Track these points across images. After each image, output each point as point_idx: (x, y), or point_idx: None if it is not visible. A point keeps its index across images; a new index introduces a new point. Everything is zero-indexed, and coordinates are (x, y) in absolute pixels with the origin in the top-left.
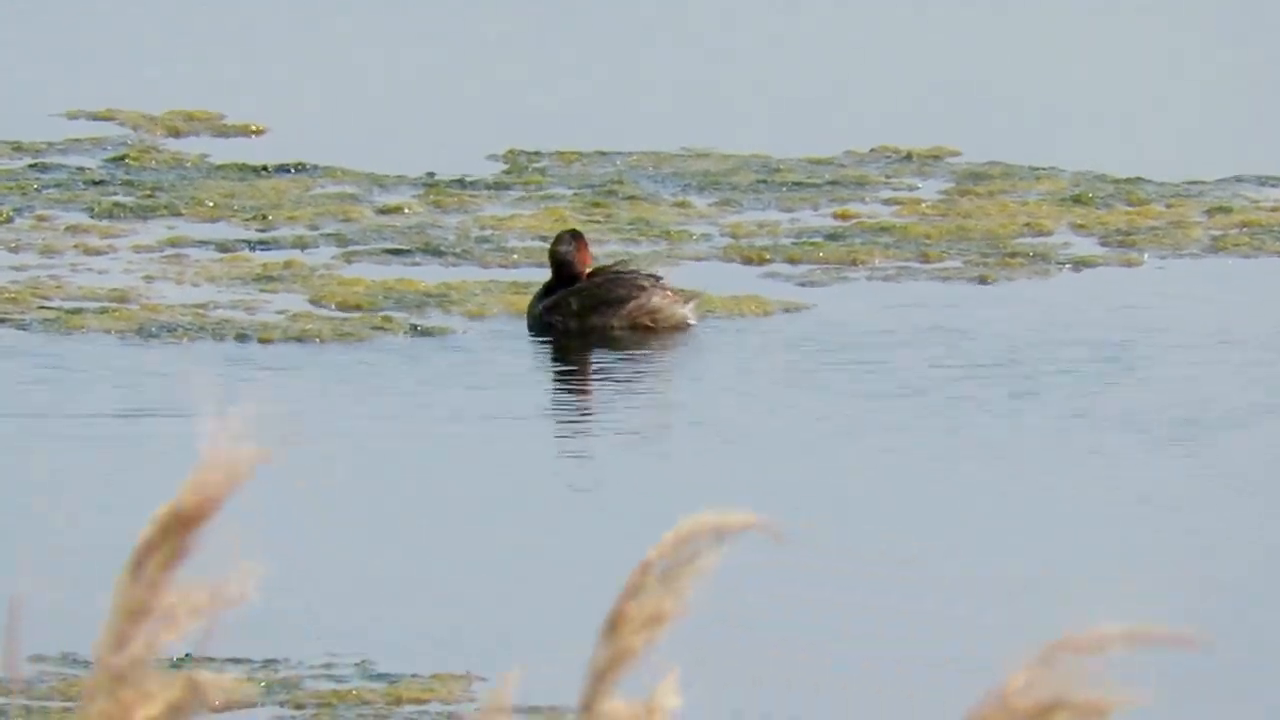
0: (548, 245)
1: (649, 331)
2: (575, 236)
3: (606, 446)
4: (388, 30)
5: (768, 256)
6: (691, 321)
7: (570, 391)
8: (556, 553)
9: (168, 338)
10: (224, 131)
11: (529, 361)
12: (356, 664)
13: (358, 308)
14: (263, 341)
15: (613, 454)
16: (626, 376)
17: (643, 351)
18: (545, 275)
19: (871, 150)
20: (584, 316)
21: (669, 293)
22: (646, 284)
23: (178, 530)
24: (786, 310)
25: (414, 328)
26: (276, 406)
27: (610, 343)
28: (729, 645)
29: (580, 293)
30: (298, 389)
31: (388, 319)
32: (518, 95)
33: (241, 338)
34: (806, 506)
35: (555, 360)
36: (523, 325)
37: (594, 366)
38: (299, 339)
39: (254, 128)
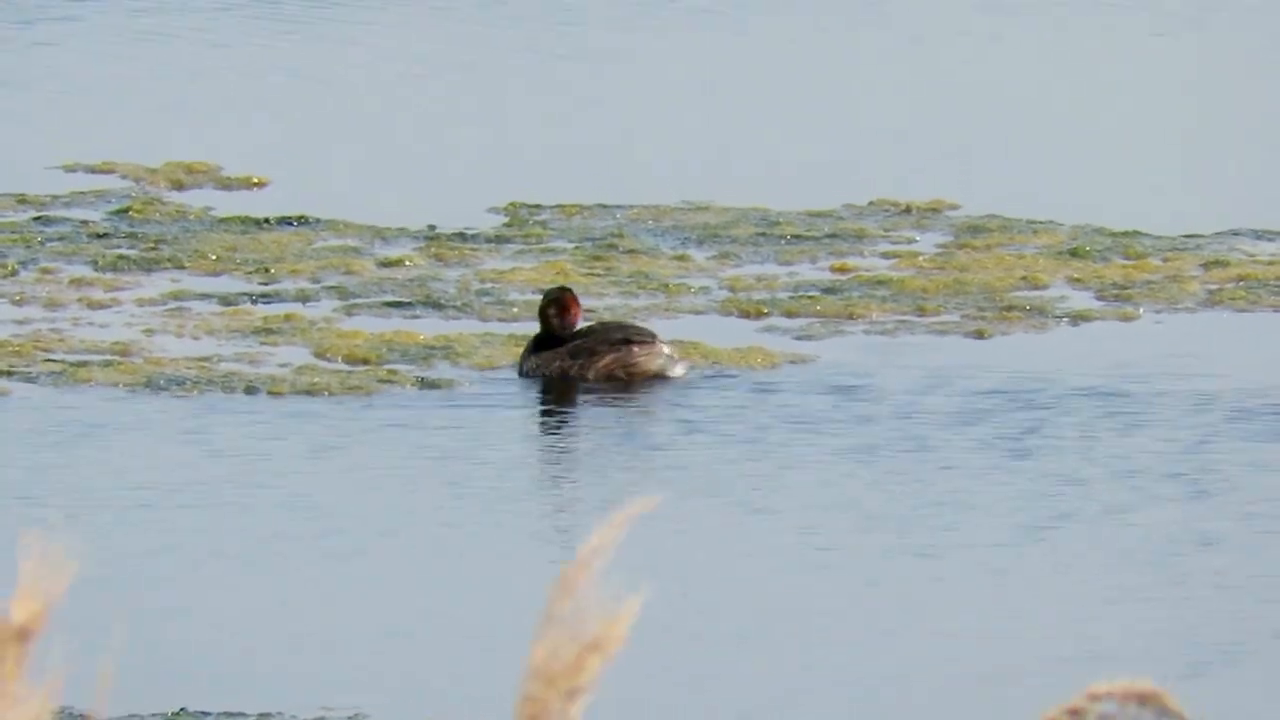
0: (543, 298)
1: (625, 382)
2: (557, 300)
3: (601, 502)
4: (388, 83)
5: (765, 310)
6: (673, 374)
7: (562, 447)
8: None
9: (177, 390)
10: (225, 184)
11: (528, 414)
12: (350, 716)
13: (365, 361)
14: (272, 394)
15: (605, 509)
16: (624, 429)
17: (643, 404)
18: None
19: (870, 203)
20: (566, 369)
21: (659, 348)
22: (637, 338)
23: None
24: (792, 362)
25: (420, 380)
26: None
27: (613, 395)
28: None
29: (571, 347)
30: (305, 440)
31: (393, 371)
32: (519, 149)
33: (251, 390)
34: (790, 560)
35: (552, 413)
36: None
37: (592, 419)
38: (309, 391)
39: (255, 180)
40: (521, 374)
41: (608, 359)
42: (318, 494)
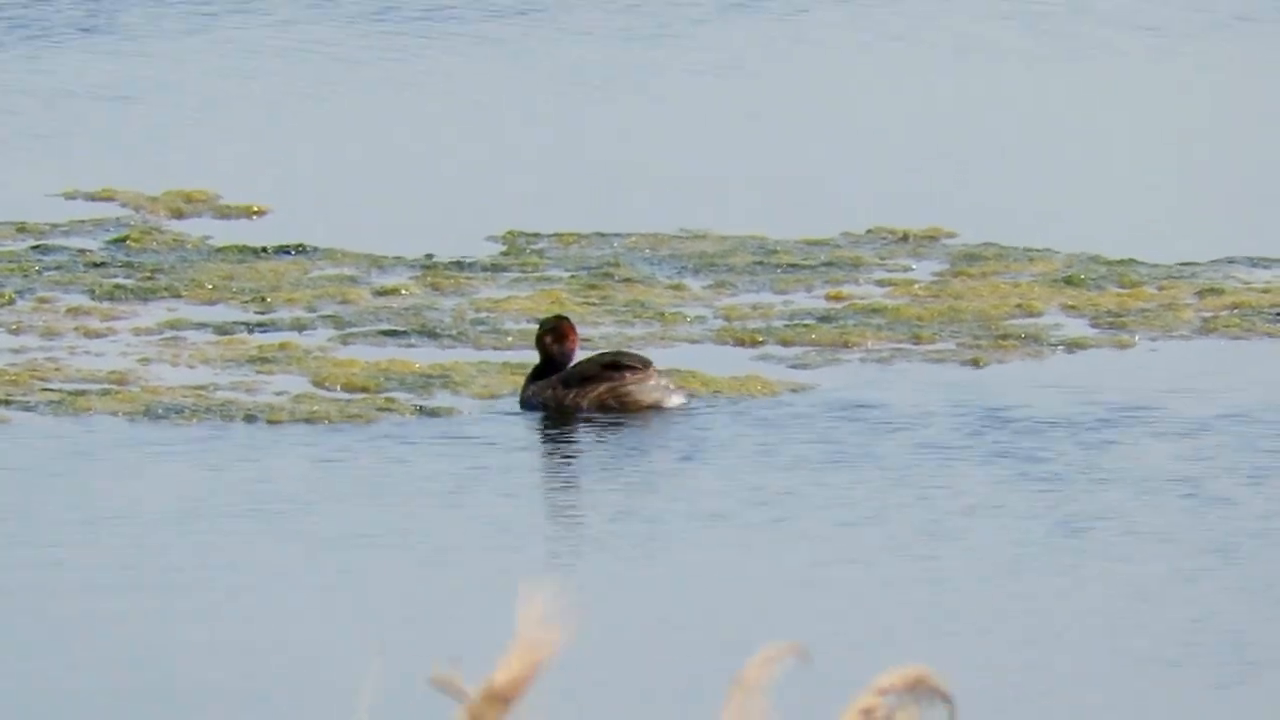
0: (539, 326)
1: (619, 413)
2: (554, 329)
3: (596, 534)
4: (385, 111)
5: (760, 339)
6: (669, 404)
7: (560, 476)
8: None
9: (177, 419)
10: (224, 212)
11: (527, 442)
12: None
13: (363, 389)
14: (271, 423)
15: (600, 541)
16: (622, 458)
17: (643, 433)
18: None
19: (867, 231)
20: (562, 398)
21: (653, 377)
22: (629, 364)
23: (496, 705)
24: (792, 390)
25: (419, 409)
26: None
27: (613, 424)
28: None
29: (564, 374)
30: (307, 468)
31: (391, 400)
32: (515, 177)
33: (250, 419)
34: (781, 593)
35: (554, 442)
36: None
37: (590, 448)
38: (308, 420)
39: (254, 208)
40: (522, 403)
41: (600, 388)
42: (321, 522)
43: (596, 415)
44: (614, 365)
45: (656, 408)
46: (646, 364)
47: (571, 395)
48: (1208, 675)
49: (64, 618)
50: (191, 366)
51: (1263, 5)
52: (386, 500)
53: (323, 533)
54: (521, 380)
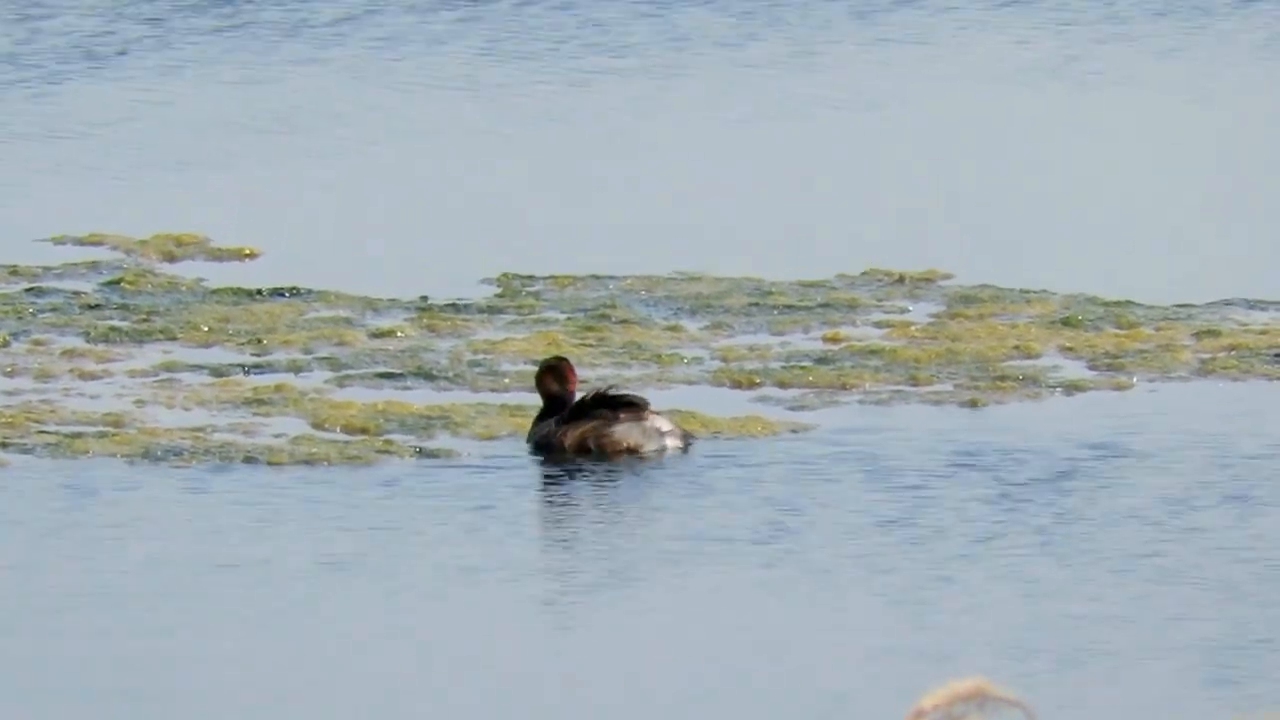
0: (538, 368)
1: (597, 455)
2: (554, 370)
3: (592, 578)
4: (379, 153)
5: (757, 380)
6: (649, 449)
7: (564, 516)
8: (537, 690)
9: (176, 461)
10: (216, 255)
11: (530, 483)
12: None
13: (363, 431)
14: (272, 464)
15: (596, 585)
16: (619, 501)
17: (641, 474)
18: (535, 398)
19: (863, 273)
20: (548, 436)
21: (646, 422)
22: (635, 402)
23: None
24: (793, 431)
25: (419, 450)
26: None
27: (613, 465)
28: None
29: (566, 412)
30: (309, 510)
31: (390, 442)
32: (511, 219)
33: (249, 460)
34: (769, 640)
35: (556, 484)
36: (524, 446)
37: (590, 488)
38: (308, 461)
39: (246, 251)
40: (530, 444)
41: (584, 427)
42: (324, 562)
43: (572, 457)
44: (608, 402)
45: (634, 452)
46: (643, 405)
47: (559, 434)
48: (1205, 708)
49: (67, 657)
50: (187, 408)
51: (1261, 50)
52: (390, 539)
53: (321, 573)
54: (520, 421)
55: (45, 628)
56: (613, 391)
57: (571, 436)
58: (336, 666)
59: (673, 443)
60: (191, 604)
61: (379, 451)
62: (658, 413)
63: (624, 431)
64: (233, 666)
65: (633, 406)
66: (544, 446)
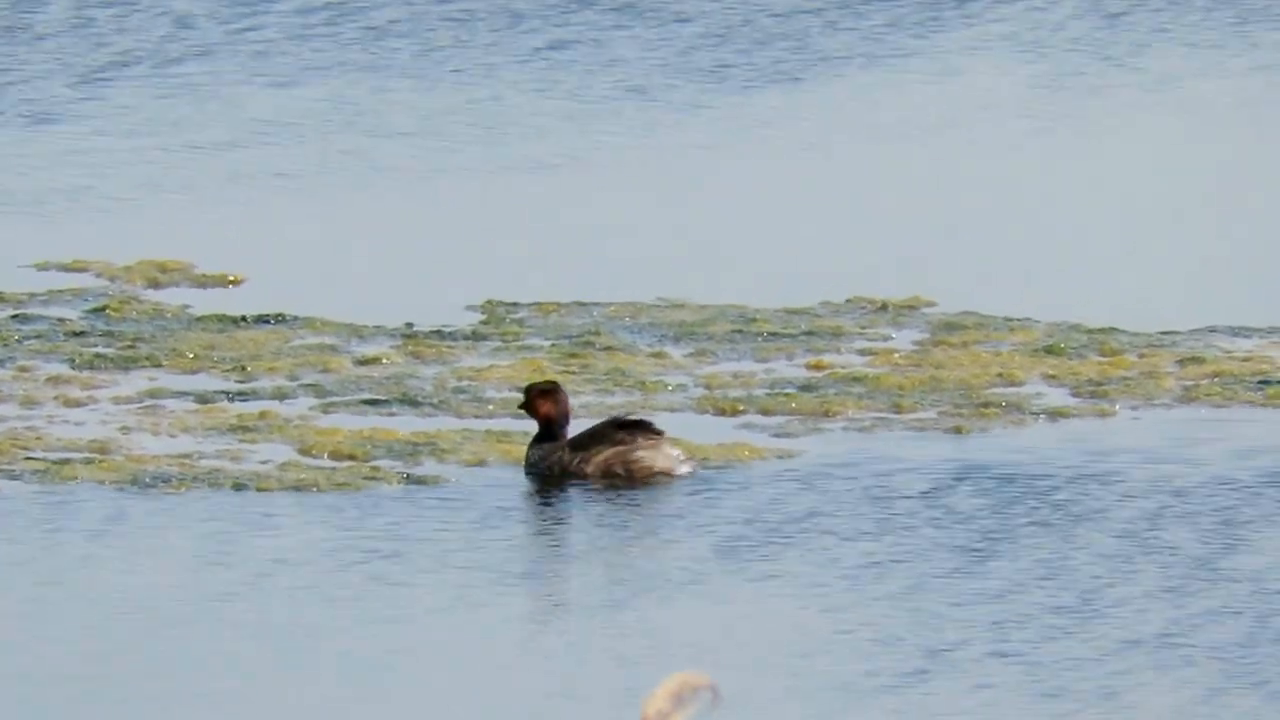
0: (529, 391)
1: (627, 480)
2: (547, 392)
3: (583, 600)
4: (363, 180)
5: (741, 408)
6: (679, 472)
7: (560, 542)
8: (521, 706)
9: (165, 488)
10: (200, 282)
11: (525, 509)
12: None
13: (351, 457)
14: (261, 490)
15: (586, 609)
16: (614, 526)
17: (643, 499)
18: (521, 424)
19: (847, 300)
20: (569, 463)
21: (664, 447)
22: (639, 434)
23: None
24: (780, 457)
25: (407, 477)
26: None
27: (611, 491)
28: None
29: (574, 438)
30: (302, 537)
31: (376, 469)
32: (495, 247)
33: (239, 487)
34: (762, 658)
35: (549, 508)
36: (517, 472)
37: (588, 514)
38: (297, 488)
39: (230, 278)
40: (528, 469)
41: (607, 452)
42: (319, 589)
43: (591, 484)
44: (624, 427)
45: (666, 475)
46: (659, 433)
47: (577, 461)
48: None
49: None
50: (173, 435)
51: (1243, 80)
52: (388, 564)
53: (316, 600)
54: (509, 448)
55: (47, 650)
56: (630, 417)
57: (594, 463)
58: (338, 689)
59: (689, 468)
60: (190, 629)
61: (366, 478)
62: (669, 440)
63: (652, 456)
64: (232, 691)
65: (649, 431)
66: (548, 471)
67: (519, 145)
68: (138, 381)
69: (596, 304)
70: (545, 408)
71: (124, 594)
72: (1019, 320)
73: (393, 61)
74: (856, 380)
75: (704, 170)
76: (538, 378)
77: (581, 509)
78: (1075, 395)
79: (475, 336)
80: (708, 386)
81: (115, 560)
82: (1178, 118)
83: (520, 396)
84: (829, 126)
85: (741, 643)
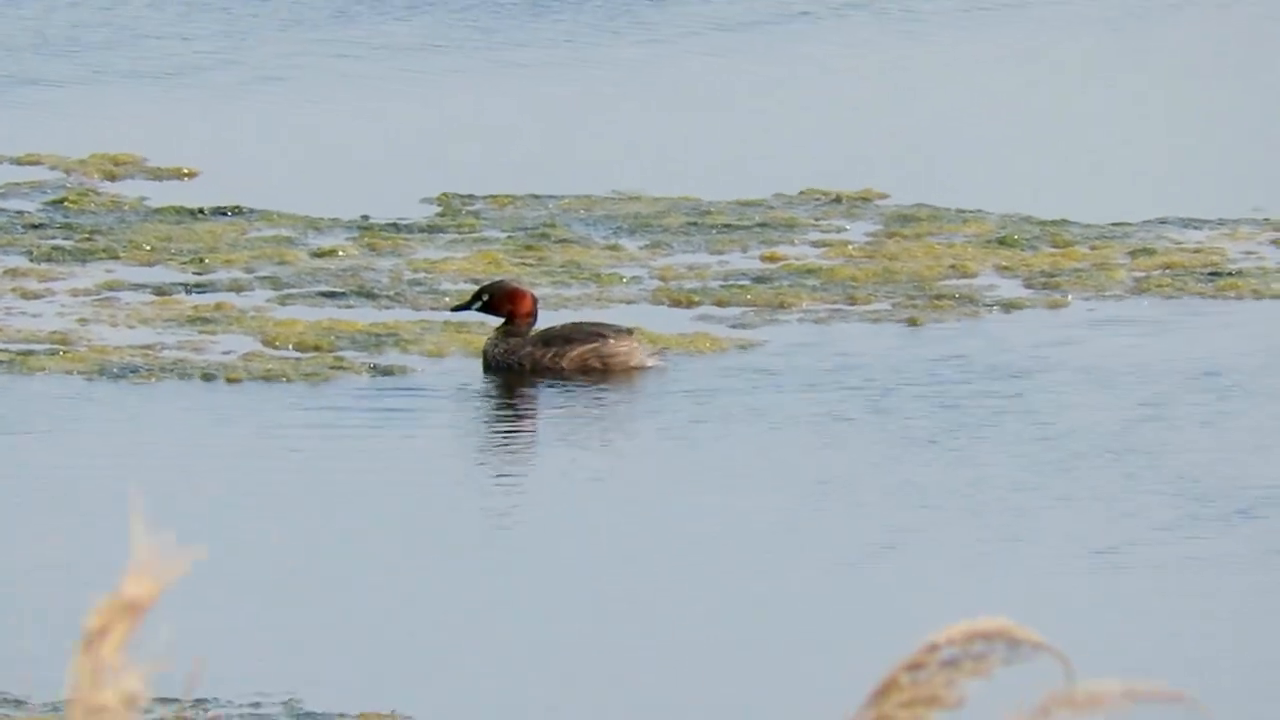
0: (498, 289)
1: (601, 374)
2: (513, 293)
3: (541, 483)
4: (321, 73)
5: (696, 299)
6: (649, 364)
7: (515, 430)
8: (482, 590)
9: (134, 378)
10: (155, 175)
11: (484, 401)
12: (284, 702)
13: (315, 348)
14: (230, 381)
15: (546, 491)
16: (579, 413)
17: (600, 389)
18: (475, 316)
19: (800, 193)
20: (540, 357)
21: (635, 343)
22: (608, 333)
23: (124, 616)
24: (740, 348)
25: (374, 367)
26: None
27: (570, 381)
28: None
29: (539, 334)
30: (279, 426)
31: (340, 359)
32: (451, 140)
33: (208, 378)
34: (724, 539)
35: (512, 399)
36: (478, 364)
37: (551, 404)
38: (265, 378)
39: (185, 171)
40: (491, 362)
41: (584, 348)
42: (302, 479)
43: (565, 377)
44: (599, 335)
45: (640, 369)
46: (629, 331)
47: (550, 355)
48: (1141, 617)
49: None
50: (131, 327)
51: None
52: (360, 457)
53: (299, 491)
54: (469, 338)
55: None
56: (596, 325)
57: (570, 357)
58: (319, 570)
59: (659, 361)
60: (192, 510)
61: (333, 368)
62: (637, 339)
63: (629, 350)
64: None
65: (617, 330)
66: (517, 365)
67: (474, 42)
68: (95, 274)
69: (551, 196)
70: (525, 305)
71: (112, 477)
72: (972, 212)
73: None
74: (810, 272)
75: (660, 65)
76: (493, 271)
77: (552, 399)
78: (1028, 287)
79: (431, 229)
80: (663, 279)
81: (96, 443)
82: (1130, 14)
83: (471, 294)
84: (783, 24)
85: (715, 530)
